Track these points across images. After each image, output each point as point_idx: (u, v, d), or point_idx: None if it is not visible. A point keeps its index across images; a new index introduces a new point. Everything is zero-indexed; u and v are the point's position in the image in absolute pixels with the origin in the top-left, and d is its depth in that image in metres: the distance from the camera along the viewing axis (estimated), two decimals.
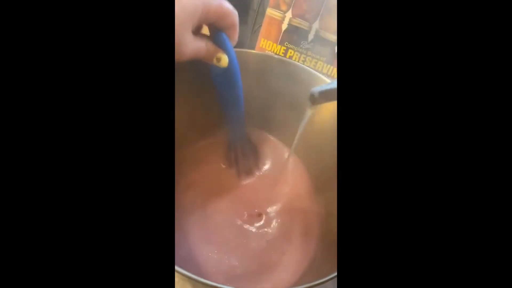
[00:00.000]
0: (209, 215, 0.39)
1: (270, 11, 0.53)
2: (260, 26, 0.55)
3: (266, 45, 0.55)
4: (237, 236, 0.38)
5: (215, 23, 0.29)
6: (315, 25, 0.51)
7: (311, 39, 0.52)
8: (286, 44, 0.54)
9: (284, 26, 0.53)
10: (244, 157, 0.43)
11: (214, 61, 0.30)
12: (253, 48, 0.57)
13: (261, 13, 0.58)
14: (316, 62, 0.53)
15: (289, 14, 0.52)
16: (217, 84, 0.34)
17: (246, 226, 0.39)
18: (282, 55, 0.54)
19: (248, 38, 0.60)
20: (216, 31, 0.30)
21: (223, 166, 0.44)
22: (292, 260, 0.37)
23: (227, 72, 0.32)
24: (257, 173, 0.44)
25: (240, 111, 0.37)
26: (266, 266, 0.36)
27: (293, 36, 0.53)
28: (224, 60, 0.30)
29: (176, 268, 0.25)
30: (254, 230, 0.39)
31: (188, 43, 0.27)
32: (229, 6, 0.29)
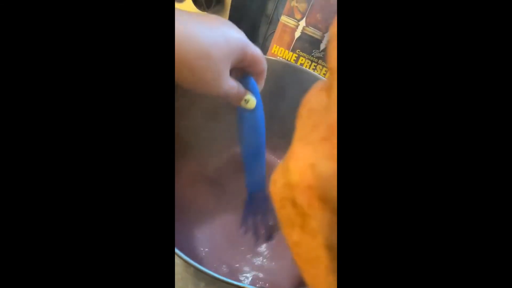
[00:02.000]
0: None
1: (284, 19, 0.54)
2: (273, 32, 0.57)
3: (278, 51, 0.56)
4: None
5: (247, 67, 0.30)
6: (327, 35, 0.52)
7: (322, 48, 0.53)
8: (298, 51, 0.55)
9: (297, 34, 0.54)
10: (262, 219, 0.41)
11: (243, 103, 0.31)
12: (265, 54, 0.58)
13: (275, 20, 0.59)
14: (327, 71, 0.54)
15: (302, 23, 0.53)
16: (241, 128, 0.34)
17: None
18: (293, 62, 0.55)
19: (259, 44, 0.62)
20: (245, 75, 0.31)
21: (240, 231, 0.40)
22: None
23: (253, 115, 0.33)
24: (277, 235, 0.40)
25: (261, 159, 0.36)
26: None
27: (305, 44, 0.54)
28: (252, 102, 0.31)
29: (177, 251, 0.26)
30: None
31: (226, 79, 0.28)
32: (262, 55, 0.31)
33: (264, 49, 0.59)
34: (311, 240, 0.10)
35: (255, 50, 0.30)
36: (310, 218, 0.10)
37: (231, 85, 0.29)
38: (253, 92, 0.32)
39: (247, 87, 0.31)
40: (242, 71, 0.31)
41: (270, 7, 0.62)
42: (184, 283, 0.39)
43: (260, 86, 0.32)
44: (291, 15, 0.54)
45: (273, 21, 0.61)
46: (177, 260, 0.37)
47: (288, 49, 0.55)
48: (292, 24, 0.54)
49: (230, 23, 0.29)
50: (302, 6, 0.53)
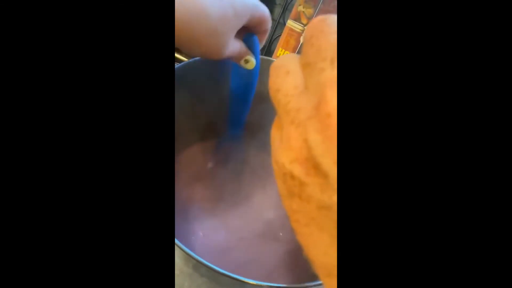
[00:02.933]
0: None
1: (290, 23, 0.55)
2: (279, 36, 0.58)
3: (283, 55, 0.57)
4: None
5: (251, 26, 0.30)
6: None
7: None
8: None
9: (303, 39, 0.55)
10: (233, 155, 0.43)
11: (242, 62, 0.31)
12: (270, 57, 0.59)
13: (281, 24, 0.60)
14: None
15: None
16: (234, 84, 0.35)
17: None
18: None
19: (265, 47, 0.62)
20: (248, 33, 0.31)
21: (209, 165, 0.44)
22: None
23: (249, 74, 0.33)
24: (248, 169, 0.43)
25: (246, 108, 0.38)
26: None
27: None
28: (252, 62, 0.32)
29: (178, 243, 0.26)
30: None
31: (230, 45, 0.28)
32: (269, 14, 0.30)
33: (270, 52, 0.60)
34: (307, 205, 0.12)
35: (262, 10, 0.29)
36: (305, 186, 0.12)
37: (234, 46, 0.29)
38: (254, 52, 0.32)
39: (249, 46, 0.31)
40: (246, 29, 0.31)
41: (277, 11, 0.63)
42: (183, 278, 0.39)
43: (261, 44, 0.32)
44: (297, 19, 0.55)
45: (279, 25, 0.62)
46: (177, 254, 0.38)
47: (294, 53, 0.56)
48: (298, 28, 0.55)
49: None
50: (309, 11, 0.54)
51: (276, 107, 0.14)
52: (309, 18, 0.54)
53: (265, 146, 0.47)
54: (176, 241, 0.27)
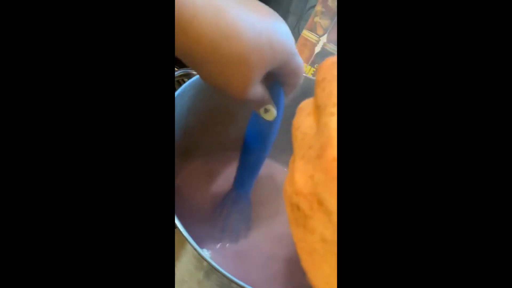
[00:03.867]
0: None
1: (305, 33, 0.55)
2: None
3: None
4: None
5: (281, 75, 0.27)
6: None
7: None
8: (316, 66, 0.56)
9: (317, 49, 0.55)
10: (234, 216, 0.37)
11: (262, 110, 0.28)
12: None
13: (295, 34, 0.61)
14: None
15: (324, 39, 0.54)
16: (249, 132, 0.32)
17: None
18: (311, 75, 0.56)
19: None
20: (276, 83, 0.28)
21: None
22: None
23: (267, 126, 0.30)
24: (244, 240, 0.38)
25: (257, 167, 0.34)
26: None
27: (324, 59, 0.55)
28: (271, 114, 0.28)
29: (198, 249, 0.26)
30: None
31: (255, 87, 0.25)
32: (303, 68, 0.28)
33: None
34: (310, 236, 0.13)
35: (298, 62, 0.27)
36: (309, 219, 0.13)
37: (257, 91, 0.26)
38: (278, 104, 0.28)
39: (273, 96, 0.28)
40: (274, 76, 0.27)
41: (291, 20, 0.63)
42: (191, 286, 0.39)
43: (287, 99, 0.29)
44: (313, 30, 0.55)
45: (293, 35, 0.62)
46: (189, 260, 0.38)
47: (307, 63, 0.56)
48: (314, 39, 0.55)
49: (278, 18, 0.25)
50: (325, 22, 0.54)
51: (293, 142, 0.15)
52: (325, 29, 0.54)
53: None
54: (192, 241, 0.27)
